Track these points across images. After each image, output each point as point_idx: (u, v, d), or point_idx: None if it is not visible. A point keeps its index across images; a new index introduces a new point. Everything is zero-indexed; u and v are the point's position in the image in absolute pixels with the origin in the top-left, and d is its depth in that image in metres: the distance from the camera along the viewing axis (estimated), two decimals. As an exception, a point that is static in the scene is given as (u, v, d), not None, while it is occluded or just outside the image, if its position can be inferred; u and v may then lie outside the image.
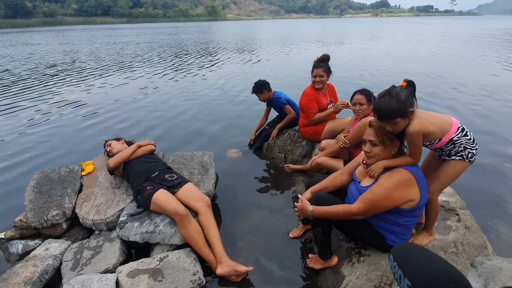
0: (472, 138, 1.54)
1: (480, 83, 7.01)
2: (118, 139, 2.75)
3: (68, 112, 5.61)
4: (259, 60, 11.58)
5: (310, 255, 1.94)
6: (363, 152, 1.71)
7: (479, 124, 4.52)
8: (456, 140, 1.51)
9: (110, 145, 2.63)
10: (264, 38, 22.85)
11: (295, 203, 1.76)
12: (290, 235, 2.25)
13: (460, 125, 1.53)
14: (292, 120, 3.57)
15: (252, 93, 3.67)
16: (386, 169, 1.58)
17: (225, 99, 6.22)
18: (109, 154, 2.63)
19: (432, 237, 1.78)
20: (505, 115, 4.86)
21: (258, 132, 3.91)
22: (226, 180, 3.06)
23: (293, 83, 7.27)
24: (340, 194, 1.88)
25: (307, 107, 3.00)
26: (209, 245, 1.97)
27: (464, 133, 1.52)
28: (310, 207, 1.65)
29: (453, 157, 1.57)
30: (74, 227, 2.27)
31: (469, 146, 1.53)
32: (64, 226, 2.21)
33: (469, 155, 1.55)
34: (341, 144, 2.50)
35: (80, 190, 2.44)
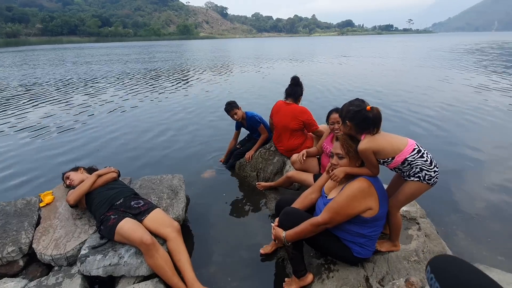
0: (429, 160, 1.57)
1: (439, 96, 7.59)
2: (76, 169, 2.57)
3: (25, 136, 5.29)
4: (230, 80, 11.73)
5: (286, 279, 1.91)
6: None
7: (437, 133, 4.85)
8: (412, 161, 1.56)
9: (69, 178, 2.46)
10: (237, 57, 23.29)
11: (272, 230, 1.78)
12: (261, 251, 2.25)
13: (416, 147, 1.57)
14: (266, 139, 3.64)
15: (226, 110, 3.59)
16: (349, 178, 1.66)
17: (197, 120, 6.15)
18: (69, 187, 2.46)
19: (395, 248, 1.86)
20: (461, 125, 5.26)
21: (230, 152, 3.91)
22: (198, 202, 3.01)
23: (265, 103, 7.40)
24: (309, 210, 1.91)
25: (312, 121, 3.07)
26: (179, 272, 1.90)
27: (420, 154, 1.55)
28: (283, 234, 1.69)
29: (412, 178, 1.62)
30: (32, 264, 2.10)
31: (425, 167, 1.56)
32: (21, 263, 2.04)
33: (426, 177, 1.58)
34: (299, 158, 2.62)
35: (38, 223, 2.28)
